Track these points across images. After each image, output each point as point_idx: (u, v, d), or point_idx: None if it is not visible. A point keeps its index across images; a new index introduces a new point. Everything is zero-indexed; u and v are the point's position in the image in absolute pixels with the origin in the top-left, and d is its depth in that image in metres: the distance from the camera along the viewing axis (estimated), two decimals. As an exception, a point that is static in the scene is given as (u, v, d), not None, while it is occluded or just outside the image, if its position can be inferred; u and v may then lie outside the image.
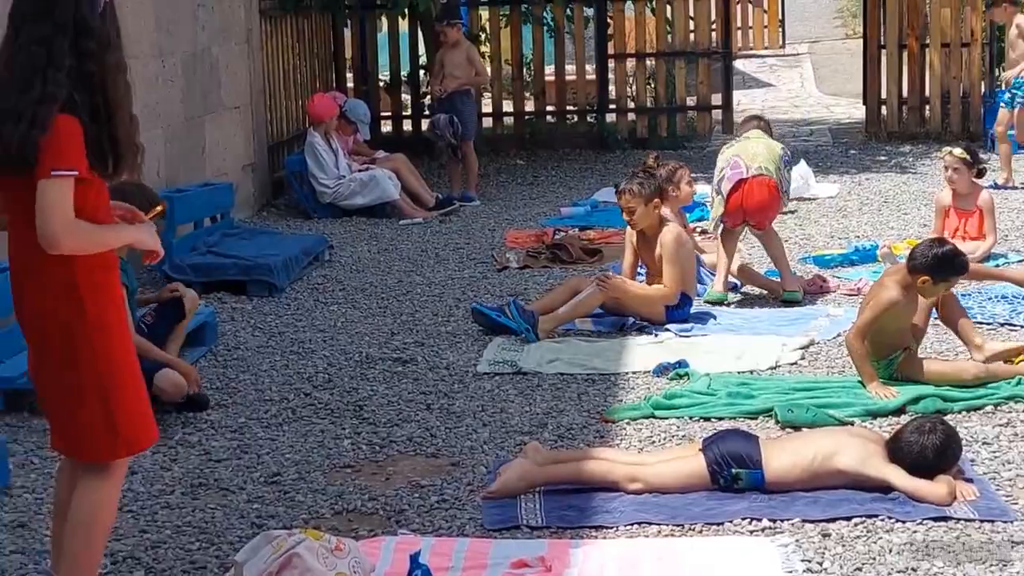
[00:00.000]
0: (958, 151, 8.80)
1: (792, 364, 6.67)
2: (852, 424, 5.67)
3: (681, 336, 7.20)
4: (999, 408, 5.80)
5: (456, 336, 7.28)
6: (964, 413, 5.76)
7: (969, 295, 7.72)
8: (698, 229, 9.27)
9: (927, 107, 13.82)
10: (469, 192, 11.50)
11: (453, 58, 11.62)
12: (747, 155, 7.86)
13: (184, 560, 4.45)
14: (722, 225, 7.87)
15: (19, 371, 6.03)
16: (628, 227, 7.58)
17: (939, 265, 6.01)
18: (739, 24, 21.11)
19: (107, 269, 3.72)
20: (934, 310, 6.32)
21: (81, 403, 3.69)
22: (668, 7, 14.33)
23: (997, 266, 8.46)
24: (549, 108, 14.31)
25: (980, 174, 8.84)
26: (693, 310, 7.52)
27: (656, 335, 7.22)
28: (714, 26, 15.43)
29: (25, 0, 3.62)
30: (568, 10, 13.94)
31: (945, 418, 5.44)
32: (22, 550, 4.55)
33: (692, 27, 14.48)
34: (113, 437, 3.71)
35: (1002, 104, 11.65)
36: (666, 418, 5.84)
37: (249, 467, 5.33)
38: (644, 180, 7.42)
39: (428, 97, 13.13)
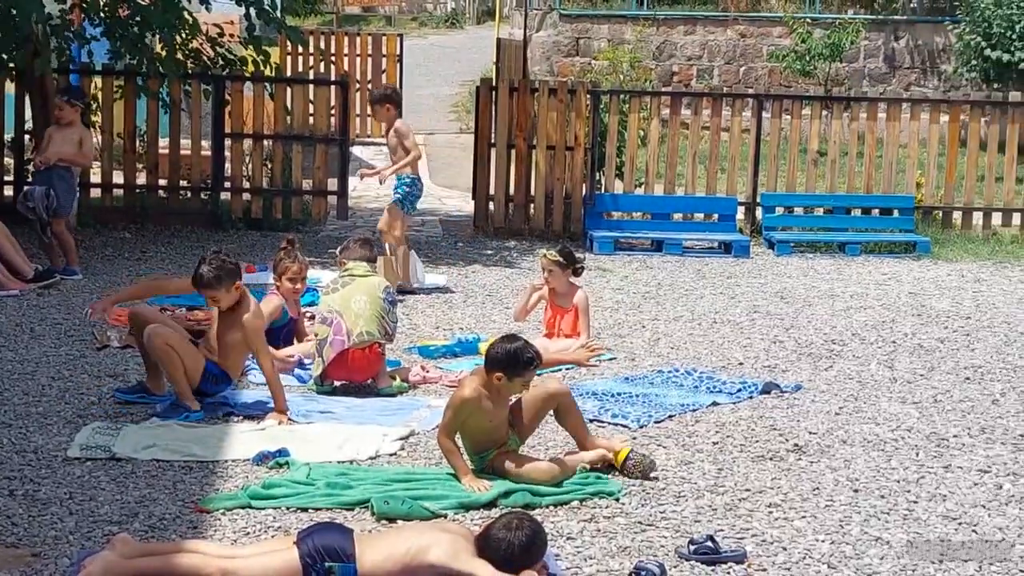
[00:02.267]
0: (551, 253, 9.20)
1: (392, 455, 6.74)
2: (446, 516, 5.77)
3: (289, 422, 7.17)
4: (584, 503, 6.04)
5: (47, 418, 6.97)
6: (552, 508, 5.97)
7: (563, 391, 8.04)
8: (308, 314, 9.26)
9: (532, 206, 14.38)
10: (71, 266, 11.08)
11: (64, 135, 11.26)
12: (349, 316, 7.94)
13: None
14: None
15: None
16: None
17: (510, 361, 6.21)
18: (358, 112, 21.40)
19: None
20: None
21: None
22: (288, 90, 14.38)
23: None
24: (162, 182, 14.02)
25: (577, 272, 9.27)
26: (301, 397, 7.53)
27: (258, 422, 7.15)
28: (333, 112, 15.57)
29: None
30: (186, 85, 13.73)
31: (534, 512, 5.66)
32: None
33: (311, 111, 14.55)
34: None
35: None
36: (263, 508, 5.77)
37: None
38: (218, 267, 7.38)
39: (32, 164, 12.63)
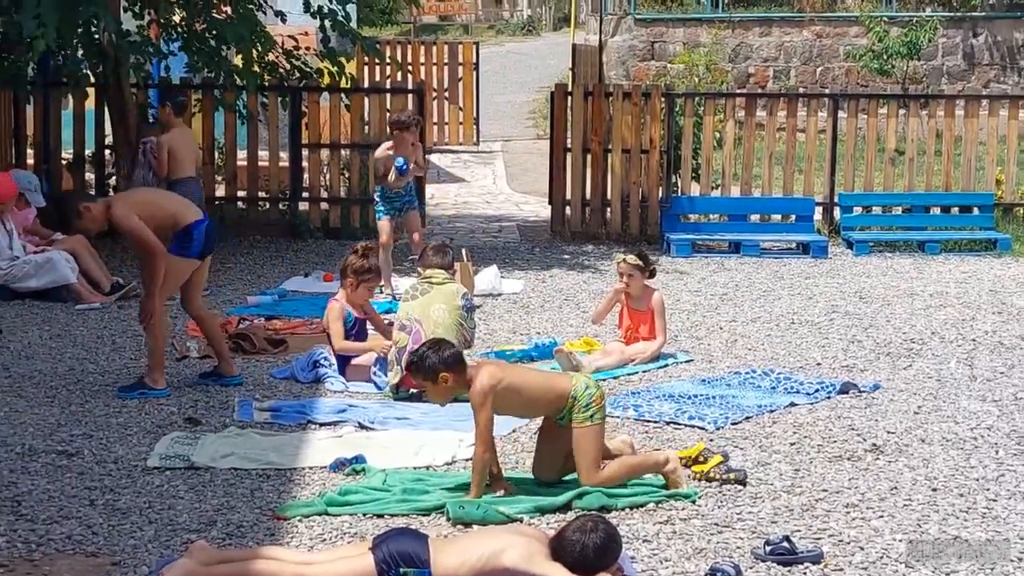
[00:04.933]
0: (631, 258, 9.15)
1: (468, 460, 6.75)
2: (521, 520, 5.78)
3: (361, 430, 7.23)
4: (660, 506, 6.02)
5: (128, 428, 7.08)
6: (627, 510, 5.96)
7: (639, 393, 8.04)
8: (387, 321, 9.31)
9: (608, 209, 14.36)
10: None
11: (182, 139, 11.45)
12: (429, 324, 7.98)
13: None
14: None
15: None
16: None
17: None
18: (435, 120, 21.50)
19: None
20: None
21: None
22: (365, 99, 14.48)
23: (666, 365, 8.82)
24: (240, 194, 14.18)
25: (652, 275, 9.22)
26: (377, 404, 7.58)
27: (334, 428, 7.22)
28: (409, 120, 15.62)
29: None
30: (262, 97, 13.89)
31: (609, 515, 5.65)
32: None
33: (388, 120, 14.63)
34: None
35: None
36: (340, 515, 5.82)
37: None
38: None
39: (113, 178, 12.87)
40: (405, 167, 10.86)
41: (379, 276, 8.68)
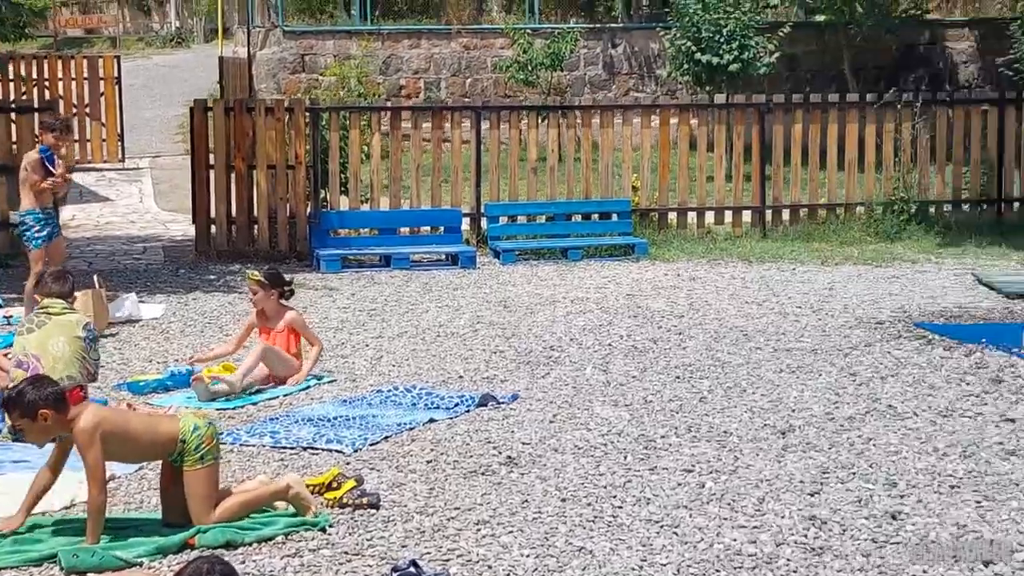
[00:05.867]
0: (254, 273, 9.00)
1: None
2: (141, 564, 5.50)
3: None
4: (290, 538, 5.83)
5: None
6: (255, 545, 5.75)
7: (277, 419, 7.84)
8: (6, 354, 8.79)
9: (256, 227, 14.08)
10: None
11: None
12: (47, 360, 7.56)
13: None
14: None
15: None
16: None
17: None
18: (76, 137, 20.64)
19: None
20: None
21: None
22: (-10, 119, 13.71)
23: (308, 387, 8.65)
24: None
25: (284, 295, 9.03)
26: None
27: (-57, 477, 6.71)
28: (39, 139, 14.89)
29: None
30: None
31: (235, 551, 5.45)
32: None
33: (15, 139, 13.92)
34: None
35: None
36: (-67, 574, 5.40)
37: None
38: None
39: None
40: (50, 155, 10.43)
41: None
